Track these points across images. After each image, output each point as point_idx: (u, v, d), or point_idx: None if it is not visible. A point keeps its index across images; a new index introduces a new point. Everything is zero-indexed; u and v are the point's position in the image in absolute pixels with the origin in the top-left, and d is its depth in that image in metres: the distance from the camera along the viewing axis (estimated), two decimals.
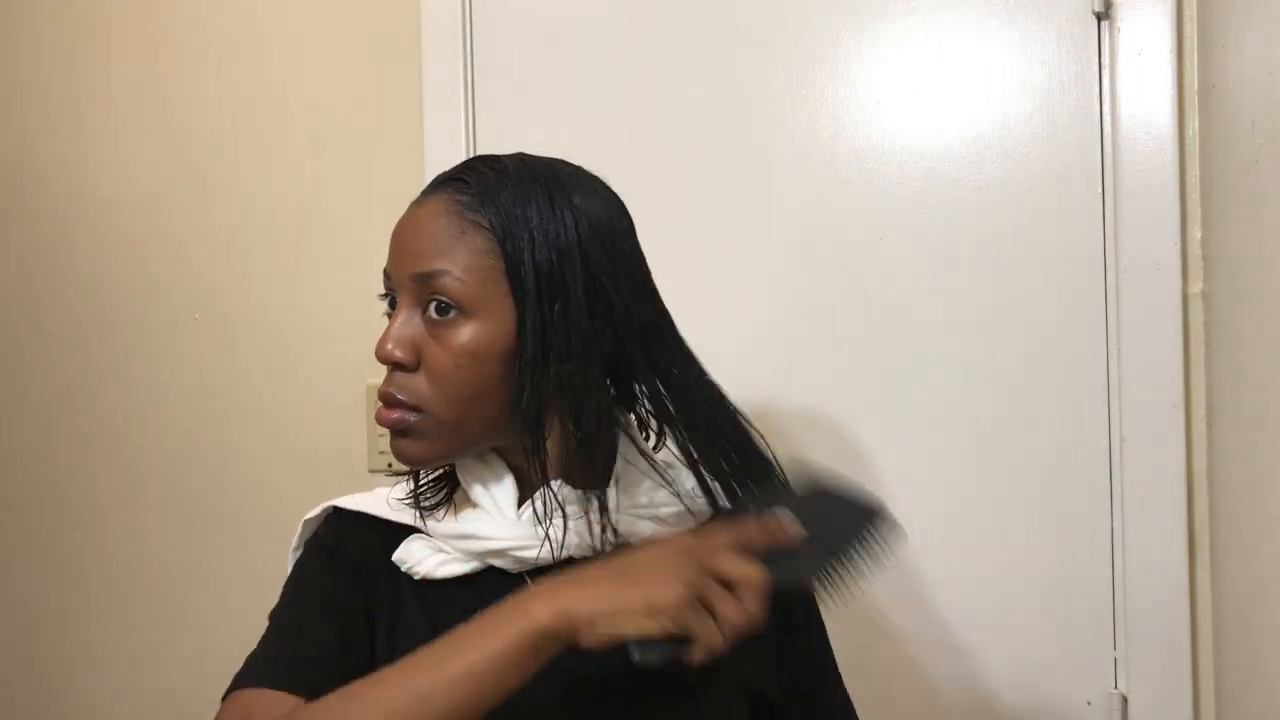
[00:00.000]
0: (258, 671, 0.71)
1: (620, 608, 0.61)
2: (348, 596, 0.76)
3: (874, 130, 1.22)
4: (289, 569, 0.81)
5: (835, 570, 0.67)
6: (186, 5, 1.49)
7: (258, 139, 1.45)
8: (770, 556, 0.65)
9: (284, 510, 1.44)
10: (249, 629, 1.57)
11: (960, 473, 1.19)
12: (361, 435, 1.40)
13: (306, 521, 0.83)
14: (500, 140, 1.32)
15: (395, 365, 0.72)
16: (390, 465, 1.37)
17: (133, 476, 1.52)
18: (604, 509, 0.73)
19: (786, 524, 0.67)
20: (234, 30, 1.46)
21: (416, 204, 0.74)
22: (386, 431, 0.73)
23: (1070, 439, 1.16)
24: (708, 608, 0.62)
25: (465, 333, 0.70)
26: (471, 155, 1.32)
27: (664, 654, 0.62)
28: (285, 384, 1.44)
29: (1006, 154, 1.18)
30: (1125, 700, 1.14)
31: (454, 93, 1.34)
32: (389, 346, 0.71)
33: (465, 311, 0.70)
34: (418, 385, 0.71)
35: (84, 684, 1.54)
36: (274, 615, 0.77)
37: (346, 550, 0.79)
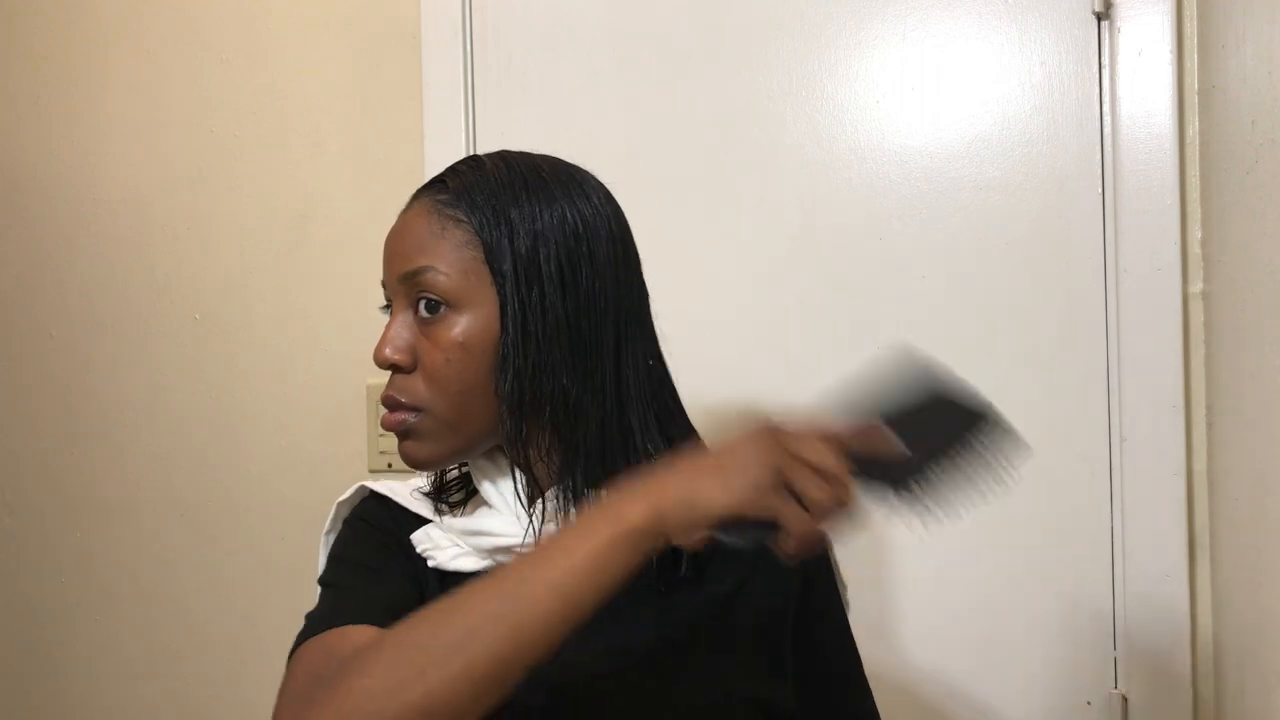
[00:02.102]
0: (325, 620, 0.69)
1: (701, 494, 0.60)
2: (395, 564, 0.76)
3: (874, 130, 1.22)
4: (321, 551, 0.82)
5: (931, 480, 0.64)
6: (187, 5, 1.49)
7: (258, 139, 1.45)
8: (862, 462, 0.63)
9: (284, 510, 1.45)
10: (250, 628, 1.57)
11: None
12: (361, 435, 1.40)
13: (340, 503, 0.84)
14: (500, 140, 1.32)
15: (393, 368, 0.73)
16: (390, 465, 1.37)
17: (133, 476, 1.52)
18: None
19: (884, 433, 0.64)
20: (235, 30, 1.46)
21: (404, 210, 0.76)
22: (388, 432, 0.73)
23: (1070, 439, 1.16)
24: (793, 492, 0.60)
25: (454, 327, 0.71)
26: (471, 155, 1.33)
27: (753, 537, 0.61)
28: (285, 384, 1.44)
29: (1006, 154, 1.18)
30: (1125, 700, 1.14)
31: (454, 93, 1.34)
32: (386, 350, 0.72)
33: (452, 306, 0.71)
34: (415, 385, 0.72)
35: (86, 684, 1.54)
36: (327, 579, 0.77)
37: (385, 526, 0.79)
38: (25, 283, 1.58)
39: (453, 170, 0.76)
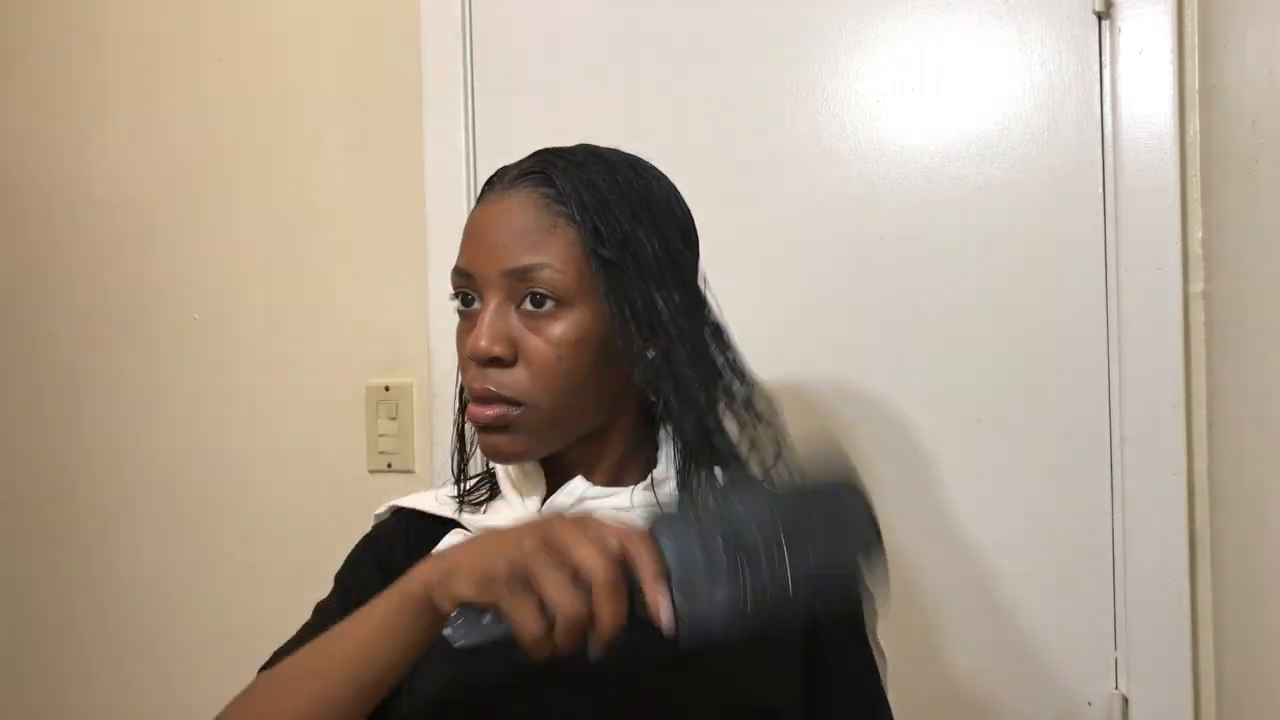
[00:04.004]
0: (281, 654, 0.74)
1: (455, 572, 0.56)
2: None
3: (874, 130, 1.22)
4: None
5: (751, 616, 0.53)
6: (186, 5, 1.49)
7: (258, 139, 1.45)
8: (677, 576, 0.53)
9: (284, 511, 1.45)
10: (248, 628, 1.57)
11: (960, 473, 1.19)
12: (361, 435, 1.39)
13: (375, 515, 0.86)
14: (500, 140, 1.32)
15: (492, 361, 0.71)
16: (390, 466, 1.37)
17: (132, 477, 1.52)
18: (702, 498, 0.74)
19: (650, 554, 0.54)
20: (234, 30, 1.46)
21: (494, 200, 0.74)
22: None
23: (1070, 439, 1.16)
24: (538, 589, 0.53)
25: (566, 323, 0.71)
26: (472, 155, 1.33)
27: (481, 635, 0.54)
28: (285, 384, 1.44)
29: (1007, 154, 1.18)
30: (1125, 700, 1.14)
31: (454, 93, 1.34)
32: (483, 343, 0.71)
33: (563, 302, 0.71)
34: (517, 379, 0.71)
35: (83, 683, 1.54)
36: (321, 602, 0.81)
37: (394, 551, 0.81)
38: (25, 282, 1.58)
39: (549, 163, 0.74)
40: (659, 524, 0.55)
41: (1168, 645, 1.12)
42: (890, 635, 1.20)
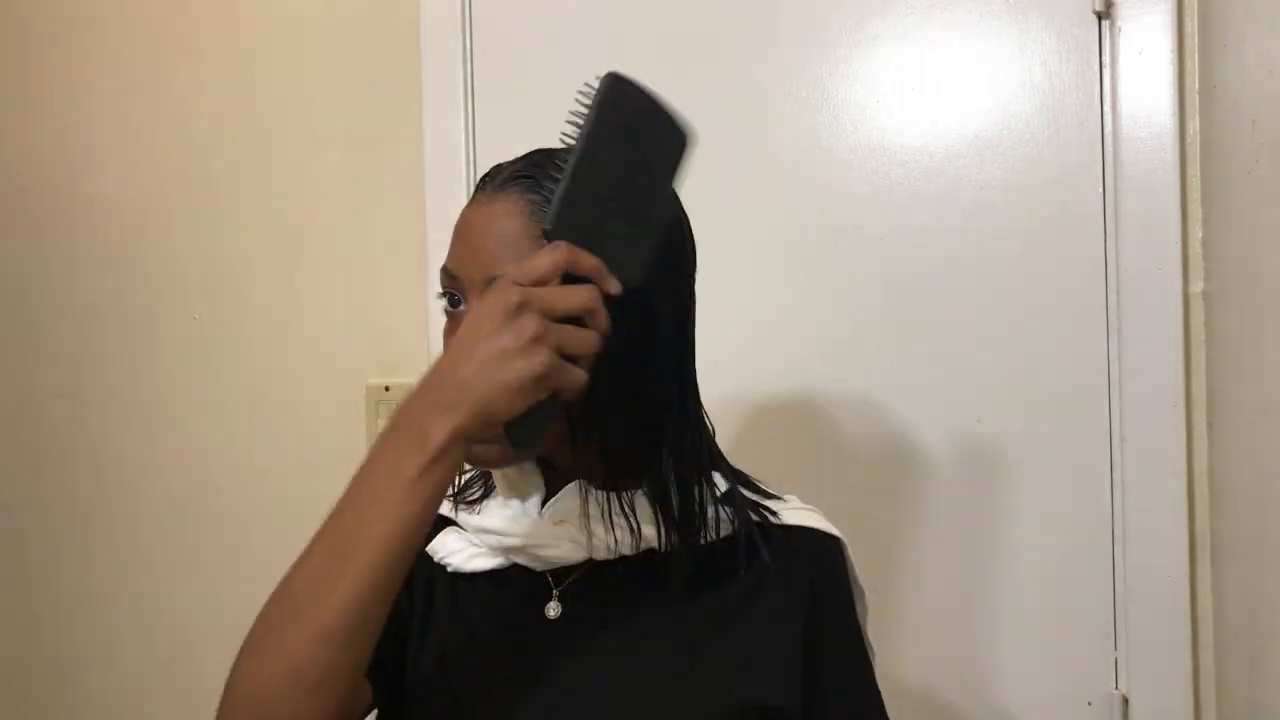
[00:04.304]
0: None
1: (479, 405, 0.59)
2: None
3: (874, 130, 1.22)
4: None
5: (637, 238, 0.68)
6: (187, 5, 1.49)
7: (258, 139, 1.45)
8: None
9: (283, 510, 1.45)
10: (248, 628, 1.56)
11: (960, 472, 1.19)
12: (361, 435, 1.39)
13: None
14: (500, 140, 1.32)
15: None
16: None
17: (132, 477, 1.52)
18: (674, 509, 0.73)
19: (574, 254, 0.64)
20: (234, 30, 1.46)
21: (484, 202, 0.72)
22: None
23: (1070, 439, 1.16)
24: (566, 354, 0.61)
25: None
26: (472, 155, 1.34)
27: (537, 427, 0.63)
28: (285, 384, 1.44)
29: (1007, 154, 1.18)
30: (1126, 700, 1.14)
31: (454, 93, 1.34)
32: None
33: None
34: None
35: (82, 683, 1.54)
36: None
37: None
38: (25, 283, 1.58)
39: (540, 167, 0.72)
40: (556, 230, 0.65)
41: (1168, 645, 1.12)
42: (889, 634, 1.21)
